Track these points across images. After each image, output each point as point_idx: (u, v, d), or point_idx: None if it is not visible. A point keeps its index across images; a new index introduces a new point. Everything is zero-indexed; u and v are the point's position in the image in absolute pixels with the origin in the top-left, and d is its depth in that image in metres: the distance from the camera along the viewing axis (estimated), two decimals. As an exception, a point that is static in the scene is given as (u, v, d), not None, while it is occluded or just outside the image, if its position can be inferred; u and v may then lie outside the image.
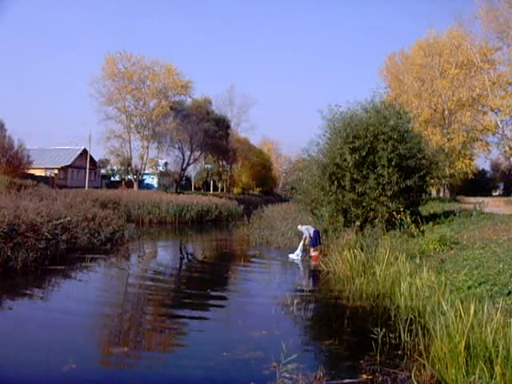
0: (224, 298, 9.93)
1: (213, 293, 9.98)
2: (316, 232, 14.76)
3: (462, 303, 5.84)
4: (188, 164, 51.86)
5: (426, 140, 20.63)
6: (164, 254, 17.46)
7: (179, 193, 43.40)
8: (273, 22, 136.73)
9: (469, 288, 7.14)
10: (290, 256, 14.49)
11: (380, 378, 5.14)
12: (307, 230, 14.84)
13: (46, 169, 47.41)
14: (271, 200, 50.50)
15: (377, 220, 14.80)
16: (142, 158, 47.89)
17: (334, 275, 11.25)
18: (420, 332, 6.21)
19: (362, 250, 11.76)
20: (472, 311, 5.33)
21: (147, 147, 47.69)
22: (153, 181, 61.60)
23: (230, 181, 63.30)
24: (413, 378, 4.93)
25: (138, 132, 47.27)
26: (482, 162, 53.92)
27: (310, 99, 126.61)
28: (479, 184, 49.45)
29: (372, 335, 6.13)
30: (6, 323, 7.46)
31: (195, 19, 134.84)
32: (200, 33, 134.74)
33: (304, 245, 14.75)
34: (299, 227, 15.55)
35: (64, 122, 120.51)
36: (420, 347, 5.76)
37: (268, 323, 7.18)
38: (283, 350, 5.27)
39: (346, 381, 5.11)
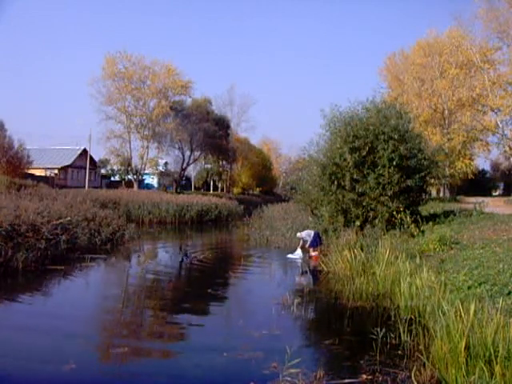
0: (224, 298, 9.93)
1: (213, 292, 9.96)
2: (316, 233, 14.74)
3: (462, 303, 5.84)
4: (188, 164, 51.85)
5: (426, 140, 20.63)
6: (164, 254, 17.45)
7: (179, 193, 43.39)
8: (273, 22, 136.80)
9: (469, 288, 7.13)
10: (290, 256, 14.47)
11: (380, 378, 5.14)
12: (307, 235, 14.63)
13: (46, 169, 47.44)
14: (271, 200, 50.48)
15: (377, 220, 14.79)
16: (142, 158, 47.91)
17: (334, 275, 11.25)
18: (420, 332, 6.21)
19: (362, 249, 11.76)
20: (472, 311, 5.32)
21: (147, 147, 47.73)
22: (153, 181, 61.63)
23: (229, 181, 63.32)
24: (413, 377, 4.93)
25: (138, 132, 47.28)
26: (482, 162, 53.88)
27: (310, 99, 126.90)
28: (479, 184, 49.43)
29: (372, 335, 6.12)
30: (6, 323, 7.46)
31: (195, 19, 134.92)
32: (200, 33, 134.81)
33: (303, 247, 14.69)
34: (298, 234, 15.10)
35: (64, 122, 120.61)
36: (420, 347, 5.76)
37: (268, 323, 7.18)
38: (286, 351, 5.26)
39: (346, 381, 5.10)
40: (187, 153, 50.11)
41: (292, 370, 5.14)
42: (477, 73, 32.17)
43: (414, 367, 5.15)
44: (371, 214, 15.05)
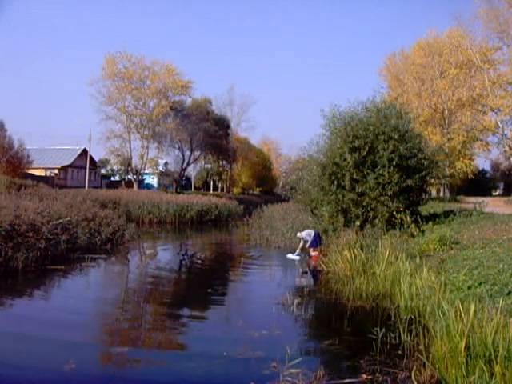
0: (224, 298, 9.93)
1: (213, 292, 9.97)
2: (316, 233, 14.73)
3: (462, 303, 5.84)
4: (188, 164, 51.86)
5: (426, 140, 20.63)
6: (164, 254, 17.45)
7: (179, 193, 43.40)
8: (273, 22, 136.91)
9: (469, 288, 7.13)
10: (289, 256, 14.47)
11: (380, 378, 5.14)
12: (308, 235, 14.62)
13: (46, 169, 47.44)
14: (271, 200, 50.49)
15: (377, 220, 14.78)
16: (142, 158, 47.86)
17: (334, 275, 11.25)
18: (420, 332, 6.20)
19: (362, 249, 11.76)
20: (472, 311, 5.32)
21: (147, 147, 47.69)
22: (153, 181, 61.67)
23: (229, 181, 63.34)
24: (413, 377, 4.93)
25: (138, 132, 47.24)
26: (482, 162, 53.92)
27: (310, 99, 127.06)
28: (479, 184, 49.41)
29: (372, 335, 6.12)
30: (7, 323, 7.46)
31: (195, 19, 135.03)
32: (200, 33, 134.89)
33: (303, 247, 14.67)
34: (298, 234, 15.09)
35: (64, 122, 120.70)
36: (420, 347, 5.75)
37: (268, 323, 7.18)
38: (286, 351, 5.26)
39: (346, 381, 5.10)
40: (187, 153, 50.16)
41: (292, 370, 5.14)
42: (477, 73, 32.16)
43: (414, 367, 5.14)
44: (371, 213, 15.04)
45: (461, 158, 35.39)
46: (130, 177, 50.61)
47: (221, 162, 61.74)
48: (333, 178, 15.30)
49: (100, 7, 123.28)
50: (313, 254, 14.44)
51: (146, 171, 52.02)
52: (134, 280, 11.98)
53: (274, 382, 4.99)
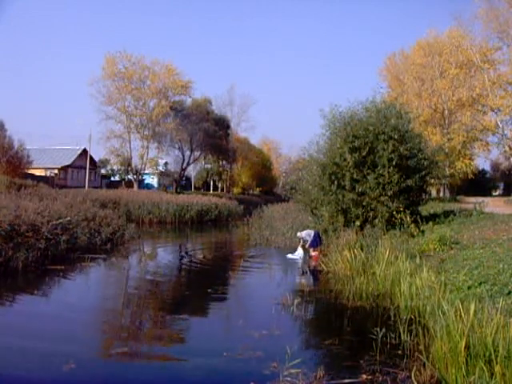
0: (224, 298, 9.93)
1: (213, 292, 9.97)
2: (316, 233, 14.73)
3: (462, 303, 5.84)
4: (188, 164, 51.84)
5: (426, 140, 20.62)
6: (164, 254, 17.45)
7: (179, 193, 43.40)
8: (273, 22, 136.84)
9: (469, 288, 7.13)
10: (290, 256, 14.47)
11: (380, 378, 5.13)
12: (307, 235, 14.66)
13: (46, 169, 47.41)
14: (271, 200, 50.47)
15: (377, 220, 14.78)
16: (142, 158, 47.84)
17: (334, 275, 11.25)
18: (420, 332, 6.20)
19: (361, 249, 11.76)
20: (472, 311, 5.32)
21: (147, 147, 47.67)
22: (153, 181, 61.66)
23: (229, 181, 63.33)
24: (413, 377, 4.93)
25: (138, 132, 47.22)
26: (482, 162, 53.84)
27: (310, 99, 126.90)
28: (479, 184, 49.38)
29: (372, 335, 6.12)
30: (6, 323, 7.46)
31: (195, 19, 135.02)
32: (200, 33, 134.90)
33: (303, 247, 14.69)
34: (298, 234, 15.14)
35: (64, 122, 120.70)
36: (420, 347, 5.75)
37: (268, 323, 7.18)
38: (287, 351, 5.26)
39: (346, 381, 5.10)
40: (187, 153, 50.14)
41: (292, 370, 5.14)
42: (477, 73, 32.17)
43: (414, 367, 5.14)
44: (371, 213, 15.03)
45: (461, 158, 35.38)
46: (130, 177, 50.60)
47: (221, 162, 61.74)
48: (333, 177, 15.30)
49: (100, 7, 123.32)
50: (313, 253, 14.44)
51: (146, 171, 52.01)
52: (133, 280, 11.97)
53: (273, 382, 4.99)
